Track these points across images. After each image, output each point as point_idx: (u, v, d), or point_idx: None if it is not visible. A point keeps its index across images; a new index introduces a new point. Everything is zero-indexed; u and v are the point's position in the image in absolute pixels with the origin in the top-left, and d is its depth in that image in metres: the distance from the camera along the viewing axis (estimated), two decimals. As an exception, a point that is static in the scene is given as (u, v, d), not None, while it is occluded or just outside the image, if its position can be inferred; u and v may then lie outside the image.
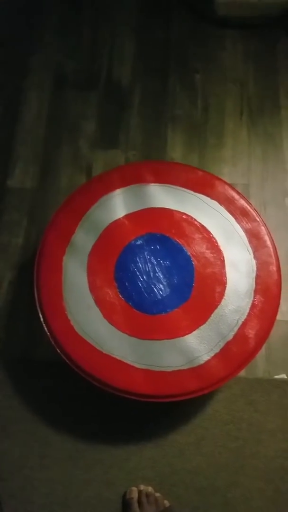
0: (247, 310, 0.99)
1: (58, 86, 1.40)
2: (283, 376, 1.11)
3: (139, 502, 1.00)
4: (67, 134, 1.34)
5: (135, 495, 1.01)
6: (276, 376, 1.11)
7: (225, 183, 1.08)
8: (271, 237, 1.04)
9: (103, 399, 1.09)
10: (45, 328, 0.99)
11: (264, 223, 1.05)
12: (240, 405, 1.09)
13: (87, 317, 0.98)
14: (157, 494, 1.01)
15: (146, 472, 1.05)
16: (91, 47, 1.45)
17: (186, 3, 1.48)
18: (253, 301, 0.99)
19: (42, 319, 0.99)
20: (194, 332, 0.97)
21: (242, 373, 1.11)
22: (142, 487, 1.02)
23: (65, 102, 1.38)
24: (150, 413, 1.08)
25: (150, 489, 1.02)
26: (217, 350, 0.96)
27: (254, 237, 1.04)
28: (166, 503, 1.01)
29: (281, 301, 1.15)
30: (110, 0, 1.51)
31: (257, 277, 1.01)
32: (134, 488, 1.02)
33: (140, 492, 1.01)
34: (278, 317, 1.15)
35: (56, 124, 1.35)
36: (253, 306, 0.99)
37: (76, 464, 1.06)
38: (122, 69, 1.42)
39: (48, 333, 0.98)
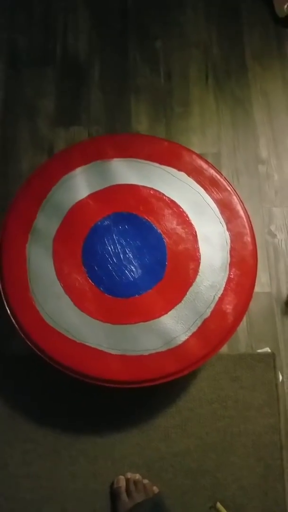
0: (223, 285, 0.94)
1: (11, 65, 1.30)
2: (267, 349, 1.08)
3: (127, 490, 0.96)
4: (25, 115, 1.25)
5: (122, 483, 0.97)
6: (259, 350, 1.08)
7: (192, 152, 1.02)
8: (244, 207, 0.98)
9: (83, 390, 1.04)
10: (14, 322, 0.92)
11: (236, 193, 0.99)
12: (225, 383, 1.05)
13: (57, 306, 0.92)
14: (145, 481, 0.98)
15: (133, 459, 1.02)
16: (43, 21, 1.35)
17: None
18: (229, 275, 0.94)
19: (9, 312, 0.93)
20: (170, 313, 0.92)
21: (225, 349, 1.08)
22: (129, 475, 0.98)
23: (21, 81, 1.28)
24: (132, 399, 1.04)
25: (137, 476, 0.98)
26: (194, 329, 0.91)
27: (226, 208, 0.98)
28: (155, 489, 0.98)
29: (259, 273, 1.11)
30: None
31: (232, 249, 0.96)
32: (122, 477, 0.98)
33: (127, 480, 0.97)
34: (257, 289, 1.11)
35: (13, 104, 1.26)
36: (229, 280, 0.94)
37: (60, 457, 1.02)
38: (78, 43, 1.32)
39: (17, 327, 0.92)
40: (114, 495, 0.97)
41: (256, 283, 1.11)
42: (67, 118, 1.25)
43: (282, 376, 1.06)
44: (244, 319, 1.09)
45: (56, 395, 1.05)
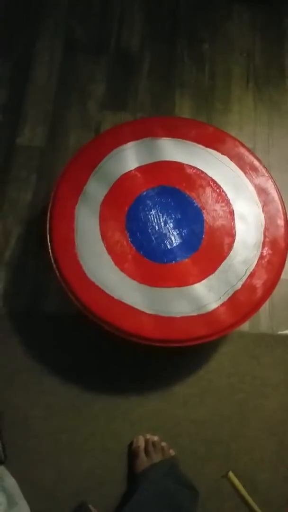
0: (255, 262, 0.99)
1: (68, 50, 1.39)
2: (286, 332, 1.12)
3: (146, 450, 0.99)
4: (76, 96, 1.33)
5: (142, 443, 1.00)
6: (280, 332, 1.12)
7: (235, 139, 1.09)
8: (279, 193, 1.05)
9: (111, 351, 1.08)
10: (57, 274, 0.97)
11: (273, 179, 1.06)
12: (244, 359, 1.09)
13: (99, 263, 0.97)
14: (163, 443, 1.01)
15: (150, 423, 1.05)
16: (101, 15, 1.44)
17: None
18: (261, 253, 1.00)
19: (54, 266, 0.98)
20: (203, 281, 0.97)
21: (246, 327, 1.12)
22: (148, 436, 1.01)
23: (75, 65, 1.37)
24: (155, 364, 1.08)
25: (156, 438, 1.01)
26: (225, 298, 0.96)
27: (263, 192, 1.04)
28: (172, 452, 1.01)
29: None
30: None
31: (266, 230, 1.01)
32: (141, 437, 1.01)
33: (146, 440, 1.01)
34: (283, 276, 1.16)
35: (66, 86, 1.34)
36: (261, 257, 0.99)
37: (81, 414, 1.05)
38: (131, 36, 1.41)
39: (61, 279, 0.97)
40: (132, 454, 1.00)
41: (282, 272, 1.17)
42: (115, 103, 1.33)
43: (300, 358, 1.10)
44: (268, 302, 1.14)
45: (83, 354, 1.09)
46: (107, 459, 1.02)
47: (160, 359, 1.08)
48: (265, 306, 1.14)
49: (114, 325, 0.94)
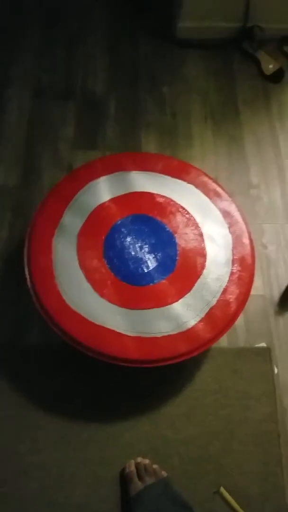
0: (227, 278, 1.05)
1: (37, 97, 1.48)
2: (263, 344, 1.17)
3: (139, 474, 0.99)
4: (47, 138, 1.41)
5: (133, 468, 1.00)
6: (256, 345, 1.17)
7: (198, 170, 1.18)
8: (242, 214, 1.13)
9: (95, 378, 1.09)
10: (38, 305, 1.00)
11: (235, 202, 1.14)
12: (226, 374, 1.13)
13: (79, 292, 1.01)
14: (155, 466, 1.01)
15: (140, 446, 1.05)
16: (66, 64, 1.56)
17: (150, 27, 1.63)
18: (232, 269, 1.06)
19: (34, 297, 1.00)
20: (181, 300, 1.02)
21: (225, 343, 1.16)
22: (139, 459, 1.01)
23: (45, 110, 1.45)
24: (141, 388, 1.10)
25: (147, 461, 1.01)
26: (202, 315, 1.01)
27: (227, 214, 1.12)
28: (164, 473, 1.01)
29: (256, 278, 1.23)
30: (81, 24, 1.64)
31: (234, 248, 1.08)
32: (132, 461, 1.01)
33: (138, 464, 1.00)
34: (253, 292, 1.22)
35: (36, 129, 1.42)
36: (232, 274, 1.06)
37: (69, 444, 1.04)
38: (96, 82, 1.53)
39: (41, 310, 0.99)
40: (126, 479, 0.99)
41: (252, 287, 1.23)
42: (85, 143, 1.41)
43: (277, 368, 1.14)
44: (242, 317, 1.20)
45: (68, 384, 1.09)
46: (100, 487, 1.01)
47: (145, 382, 1.10)
48: (241, 321, 1.20)
49: (98, 350, 0.96)
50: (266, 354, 1.15)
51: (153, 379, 1.10)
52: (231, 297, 1.03)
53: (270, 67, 1.56)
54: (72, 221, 1.07)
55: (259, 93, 1.55)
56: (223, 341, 1.17)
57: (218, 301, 1.03)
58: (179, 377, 1.12)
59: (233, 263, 1.07)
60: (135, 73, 1.55)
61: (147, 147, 1.42)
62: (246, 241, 1.10)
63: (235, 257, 1.08)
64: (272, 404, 1.10)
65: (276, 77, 1.56)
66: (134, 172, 1.14)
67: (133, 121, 1.46)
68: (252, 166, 1.42)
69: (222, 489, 1.01)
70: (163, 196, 1.13)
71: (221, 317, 1.01)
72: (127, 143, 1.42)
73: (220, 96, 1.53)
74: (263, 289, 1.25)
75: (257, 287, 1.25)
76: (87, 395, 1.09)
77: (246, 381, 1.12)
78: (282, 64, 1.58)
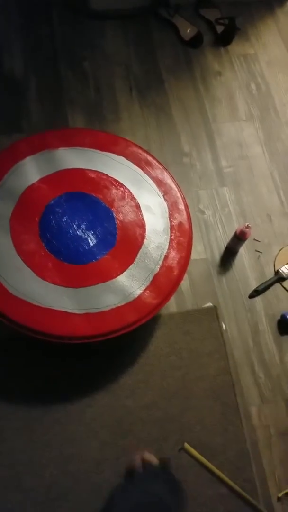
0: (167, 245, 1.05)
1: None
2: (209, 304, 1.19)
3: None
4: None
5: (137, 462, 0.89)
6: (203, 306, 1.19)
7: (127, 141, 1.15)
8: (175, 181, 1.13)
9: (50, 362, 1.07)
10: (-21, 297, 0.95)
11: (167, 170, 1.14)
12: (178, 337, 1.14)
13: (20, 278, 0.97)
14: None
15: (103, 420, 1.05)
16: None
17: (64, 1, 1.55)
18: (171, 236, 1.06)
19: (-27, 290, 0.95)
20: (125, 272, 1.01)
21: (174, 308, 1.18)
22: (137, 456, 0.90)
23: None
24: (97, 363, 1.09)
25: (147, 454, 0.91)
26: (147, 283, 1.01)
27: (161, 183, 1.11)
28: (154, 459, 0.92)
29: (195, 242, 1.25)
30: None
31: (170, 215, 1.08)
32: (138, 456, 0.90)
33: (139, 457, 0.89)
34: (195, 256, 1.25)
35: None
36: (171, 240, 1.06)
37: (34, 429, 1.02)
38: (13, 63, 1.43)
39: (-17, 301, 0.95)
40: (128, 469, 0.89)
41: (193, 251, 1.24)
42: (9, 126, 1.33)
43: (225, 325, 1.18)
44: (188, 281, 1.22)
45: (23, 373, 1.07)
46: (68, 465, 1.01)
47: (101, 356, 1.09)
48: (187, 286, 1.22)
49: (49, 333, 0.94)
50: (213, 313, 1.18)
51: (108, 352, 1.10)
52: (173, 262, 1.04)
53: (188, 31, 1.53)
54: (1, 207, 1.02)
55: (181, 59, 1.53)
56: (172, 306, 1.18)
57: (161, 268, 1.03)
58: (134, 346, 1.12)
59: (171, 230, 1.07)
60: (54, 50, 1.47)
61: (74, 125, 1.36)
62: (182, 206, 1.10)
63: (172, 224, 1.08)
64: (224, 358, 1.14)
65: (195, 42, 1.55)
66: (61, 149, 1.10)
67: (57, 100, 1.40)
68: (182, 134, 1.41)
69: (186, 445, 1.04)
70: (94, 171, 1.09)
71: (165, 283, 1.02)
72: (53, 123, 1.36)
73: (142, 66, 1.49)
74: (205, 252, 1.26)
75: (199, 251, 1.26)
76: (44, 378, 1.07)
77: (197, 340, 1.15)
78: (200, 28, 1.56)
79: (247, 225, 1.18)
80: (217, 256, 1.27)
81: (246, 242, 1.26)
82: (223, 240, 1.28)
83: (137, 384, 1.09)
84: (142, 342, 1.12)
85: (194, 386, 1.10)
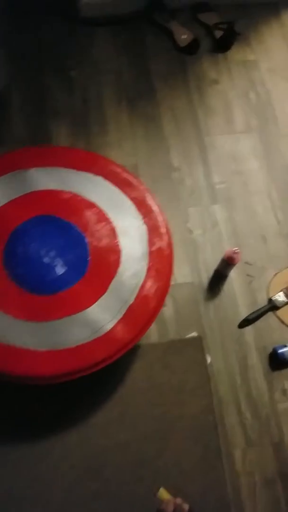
0: (144, 273, 0.94)
1: None
2: (194, 333, 1.08)
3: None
4: None
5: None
6: (187, 335, 1.08)
7: (106, 159, 1.04)
8: (157, 202, 1.01)
9: (17, 398, 0.98)
10: None
11: (148, 190, 1.02)
12: (158, 370, 1.03)
13: (-19, 310, 0.88)
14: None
15: (73, 460, 0.95)
16: None
17: (53, 8, 1.45)
18: (149, 263, 0.95)
19: None
20: (96, 303, 0.90)
21: (155, 338, 1.07)
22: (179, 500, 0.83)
23: None
24: (68, 399, 0.99)
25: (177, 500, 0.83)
26: (120, 315, 0.90)
27: (141, 204, 1.00)
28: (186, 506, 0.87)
29: (181, 265, 1.14)
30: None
31: (149, 240, 0.97)
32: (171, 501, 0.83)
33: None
34: (180, 280, 1.13)
35: None
36: (149, 268, 0.94)
37: (1, 468, 0.94)
38: (-1, 73, 1.35)
39: None
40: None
41: (179, 275, 1.13)
42: (-9, 139, 1.25)
43: (211, 357, 1.06)
44: (171, 308, 1.10)
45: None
46: (33, 509, 0.91)
47: (71, 392, 0.99)
48: (170, 312, 1.10)
49: (8, 373, 0.84)
50: (197, 344, 1.06)
51: (79, 387, 0.99)
52: (150, 292, 0.92)
53: (183, 37, 1.41)
54: None
55: (175, 67, 1.40)
56: (153, 335, 1.07)
57: (136, 298, 0.91)
58: (108, 381, 1.02)
59: (150, 256, 0.95)
60: (39, 59, 1.37)
61: (58, 138, 1.27)
62: (163, 230, 0.99)
63: (151, 249, 0.96)
64: (207, 395, 1.02)
65: (191, 48, 1.42)
66: (33, 169, 1.00)
67: (41, 112, 1.30)
68: (172, 147, 1.30)
69: (161, 490, 0.93)
70: (68, 193, 0.99)
71: (140, 315, 0.91)
72: (36, 135, 1.26)
73: (134, 75, 1.38)
74: (191, 276, 1.15)
75: (185, 274, 1.15)
76: (9, 416, 0.98)
77: (179, 375, 1.03)
78: (196, 34, 1.44)
79: (236, 250, 1.05)
80: (205, 280, 1.15)
81: (237, 265, 1.14)
82: (212, 262, 1.16)
83: (111, 423, 0.98)
84: (118, 376, 1.02)
85: (173, 426, 0.99)
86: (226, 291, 1.14)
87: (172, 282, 1.11)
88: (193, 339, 1.07)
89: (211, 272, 1.15)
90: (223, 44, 1.44)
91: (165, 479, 0.95)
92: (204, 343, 1.07)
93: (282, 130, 1.34)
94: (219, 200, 1.24)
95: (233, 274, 1.15)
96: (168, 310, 1.10)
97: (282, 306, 1.12)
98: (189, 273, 1.15)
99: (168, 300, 1.11)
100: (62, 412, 0.98)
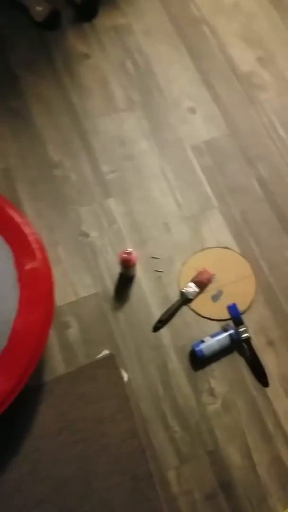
0: (15, 306, 0.77)
1: None
2: (105, 351, 0.93)
3: None
4: None
5: None
6: (98, 356, 0.93)
7: None
8: (22, 214, 0.84)
9: None
10: None
11: (6, 202, 0.84)
12: (69, 405, 0.89)
13: None
14: None
15: (-13, 531, 0.81)
16: None
17: None
18: (20, 292, 0.78)
19: None
20: None
21: (61, 369, 0.92)
22: None
23: None
24: None
25: None
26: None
27: None
28: None
29: (81, 276, 0.99)
30: None
31: (16, 262, 0.80)
32: None
33: None
34: (84, 293, 0.99)
35: None
36: (22, 298, 0.78)
37: None
38: None
39: None
40: None
41: (80, 287, 0.99)
42: None
43: (127, 373, 0.92)
44: (76, 328, 0.95)
45: None
46: None
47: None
48: (75, 334, 0.95)
49: None
50: (111, 363, 0.92)
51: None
52: (26, 328, 0.76)
53: (39, 9, 1.19)
54: None
55: (37, 48, 1.19)
56: (59, 367, 0.91)
57: (9, 340, 0.75)
58: (13, 432, 0.86)
59: (20, 282, 0.79)
60: None
61: None
62: (34, 246, 0.82)
63: (21, 273, 0.80)
64: (128, 418, 0.89)
65: (51, 22, 1.21)
66: None
67: None
68: (48, 141, 1.10)
69: None
70: None
71: (18, 358, 0.75)
72: None
73: (-11, 64, 1.17)
74: (94, 286, 0.99)
75: (87, 285, 0.99)
76: None
77: (94, 404, 0.89)
78: (55, 4, 1.22)
79: (128, 250, 0.90)
80: (111, 287, 1.00)
81: (143, 262, 1.00)
82: (115, 265, 1.01)
83: (23, 478, 0.83)
84: (22, 424, 0.86)
85: (95, 462, 0.86)
86: (135, 294, 1.00)
87: (72, 299, 0.98)
88: (105, 358, 0.93)
89: (115, 276, 1.00)
90: (87, 10, 1.23)
91: (96, 525, 0.83)
92: (118, 359, 0.93)
93: (169, 100, 1.18)
94: (112, 193, 1.08)
95: (140, 273, 1.01)
96: (73, 331, 0.95)
97: (194, 297, 0.99)
98: (91, 283, 0.99)
99: (72, 320, 0.95)
100: None
